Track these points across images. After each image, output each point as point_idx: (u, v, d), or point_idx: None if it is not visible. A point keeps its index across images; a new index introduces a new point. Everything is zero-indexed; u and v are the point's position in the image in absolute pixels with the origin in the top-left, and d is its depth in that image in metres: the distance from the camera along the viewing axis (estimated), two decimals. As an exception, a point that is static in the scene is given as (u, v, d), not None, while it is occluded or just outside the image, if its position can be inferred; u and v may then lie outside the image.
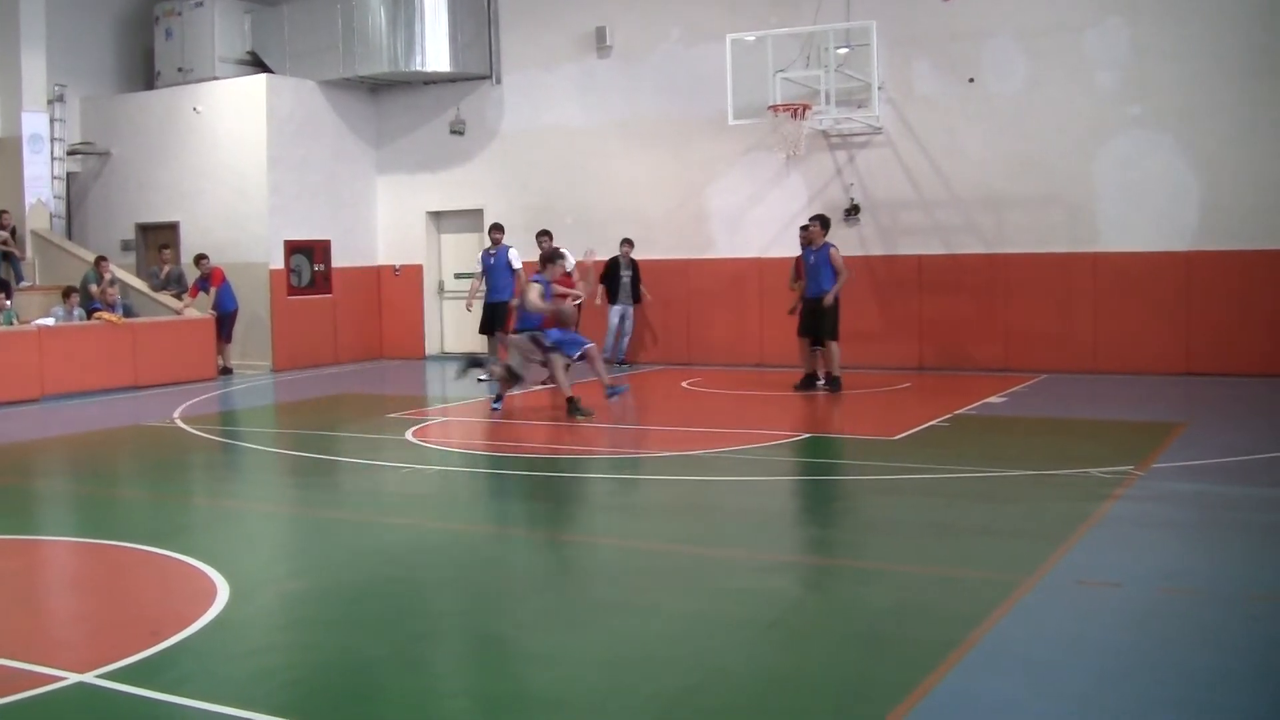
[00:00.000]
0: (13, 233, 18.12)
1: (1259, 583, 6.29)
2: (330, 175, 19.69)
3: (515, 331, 13.04)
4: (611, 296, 17.36)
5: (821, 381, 14.17)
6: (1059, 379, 14.99)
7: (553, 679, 5.12)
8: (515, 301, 15.60)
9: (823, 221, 14.43)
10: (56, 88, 19.13)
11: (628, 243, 17.37)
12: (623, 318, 17.45)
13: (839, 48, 15.45)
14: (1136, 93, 15.14)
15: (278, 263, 18.84)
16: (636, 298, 17.48)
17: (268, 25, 19.71)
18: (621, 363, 17.48)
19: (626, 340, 17.61)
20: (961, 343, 16.21)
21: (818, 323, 14.10)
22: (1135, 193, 15.24)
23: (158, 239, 19.54)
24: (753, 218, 17.33)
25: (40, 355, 15.35)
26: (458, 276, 20.38)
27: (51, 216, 19.11)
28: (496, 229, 16.48)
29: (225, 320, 18.04)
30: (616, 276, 17.35)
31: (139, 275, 18.94)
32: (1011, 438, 11.13)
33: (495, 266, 16.13)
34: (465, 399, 15.32)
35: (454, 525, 8.19)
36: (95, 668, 5.10)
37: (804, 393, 14.01)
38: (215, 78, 19.22)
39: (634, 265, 17.41)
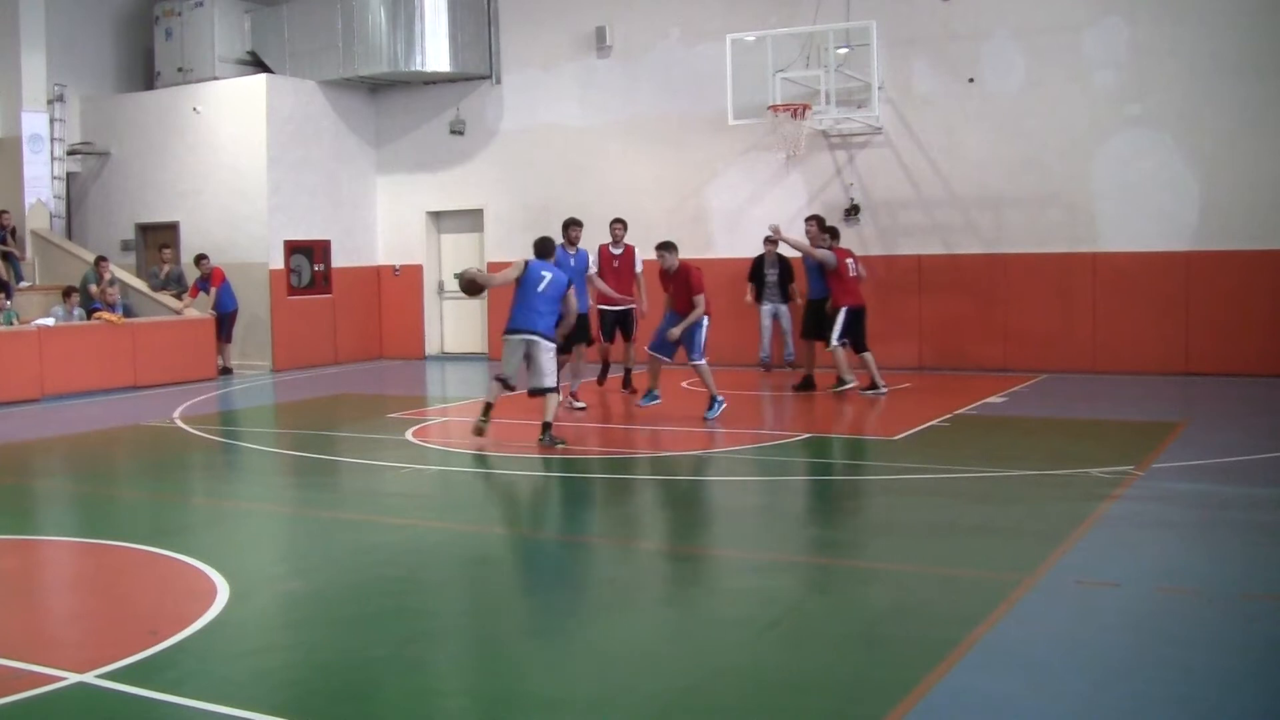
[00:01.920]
0: (12, 233, 18.12)
1: (1258, 582, 6.29)
2: (330, 175, 19.69)
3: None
4: (758, 296, 16.55)
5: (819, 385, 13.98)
6: (1059, 379, 14.99)
7: (552, 679, 5.12)
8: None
9: (820, 223, 14.40)
10: (56, 88, 19.13)
11: (771, 240, 16.12)
12: (775, 317, 16.60)
13: (839, 48, 15.45)
14: (1135, 92, 15.15)
15: (278, 263, 18.84)
16: (786, 296, 16.54)
17: (268, 25, 19.71)
18: (793, 364, 16.44)
19: (789, 339, 16.67)
20: (961, 343, 16.22)
21: (821, 324, 14.04)
22: (1135, 192, 15.25)
23: (158, 239, 19.54)
24: (752, 218, 17.31)
25: (40, 355, 15.35)
26: (457, 276, 20.34)
27: (51, 216, 19.11)
28: (575, 225, 13.53)
29: (225, 320, 18.05)
30: (761, 275, 16.50)
31: (139, 275, 18.94)
32: (1011, 438, 11.13)
33: (575, 271, 12.92)
34: (465, 399, 15.31)
35: (454, 525, 8.19)
36: (95, 668, 5.11)
37: (804, 393, 13.98)
38: (215, 78, 19.22)
39: (780, 262, 16.45)
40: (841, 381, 13.71)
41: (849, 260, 13.84)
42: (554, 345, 10.90)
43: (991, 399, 13.31)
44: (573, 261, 13.08)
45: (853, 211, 16.73)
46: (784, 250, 16.10)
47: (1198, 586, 6.16)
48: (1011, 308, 15.97)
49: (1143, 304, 15.25)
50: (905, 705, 4.58)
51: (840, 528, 8.13)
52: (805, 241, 14.03)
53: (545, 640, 5.63)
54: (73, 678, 5.01)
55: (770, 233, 14.39)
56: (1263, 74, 14.51)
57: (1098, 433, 11.37)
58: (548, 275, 10.90)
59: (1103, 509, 7.84)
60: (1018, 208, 15.90)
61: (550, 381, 10.81)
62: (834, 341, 13.69)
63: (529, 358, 10.85)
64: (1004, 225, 15.99)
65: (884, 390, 13.60)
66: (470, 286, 11.17)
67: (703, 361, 12.23)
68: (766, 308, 16.56)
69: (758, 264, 16.43)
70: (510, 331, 10.88)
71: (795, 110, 15.04)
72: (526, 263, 10.97)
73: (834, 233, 14.34)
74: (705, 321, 12.21)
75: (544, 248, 11.31)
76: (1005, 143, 15.84)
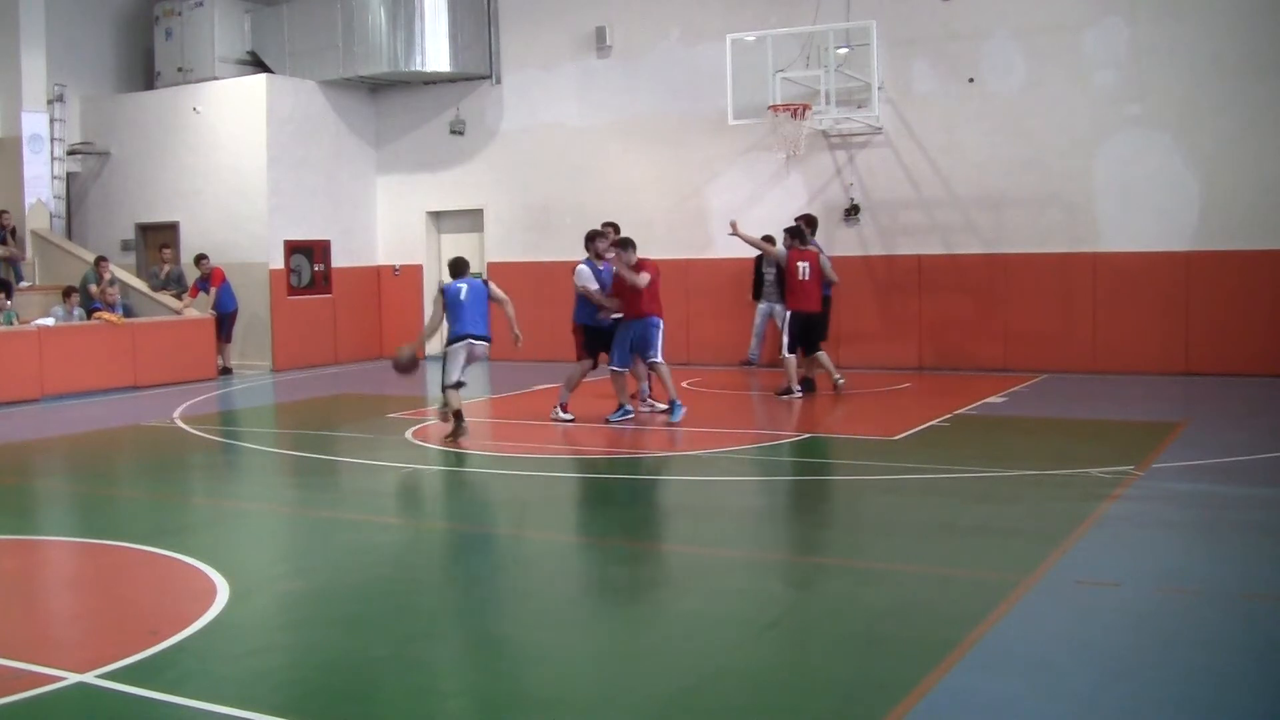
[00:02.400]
0: (12, 233, 18.12)
1: (1258, 582, 6.29)
2: (330, 175, 19.69)
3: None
4: (756, 294, 16.33)
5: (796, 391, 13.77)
6: (1059, 379, 14.99)
7: (552, 679, 5.12)
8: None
9: (807, 221, 14.47)
10: (56, 88, 19.12)
11: (768, 239, 15.81)
12: (770, 316, 15.99)
13: (839, 48, 15.46)
14: (1135, 92, 15.15)
15: (278, 263, 18.84)
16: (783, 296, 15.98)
17: (268, 25, 19.71)
18: (746, 363, 16.64)
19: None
20: (961, 343, 16.21)
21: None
22: (1135, 192, 15.25)
23: (158, 239, 19.54)
24: (752, 218, 17.27)
25: (40, 355, 15.35)
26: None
27: (51, 216, 19.10)
28: (600, 236, 12.83)
29: (225, 320, 18.05)
30: (760, 273, 16.22)
31: (139, 275, 18.94)
32: (1011, 438, 11.13)
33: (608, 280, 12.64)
34: (465, 399, 15.29)
35: (454, 525, 8.19)
36: (95, 668, 5.11)
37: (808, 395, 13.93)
38: (215, 78, 19.22)
39: (778, 264, 15.62)
40: (788, 390, 13.65)
41: (800, 264, 13.61)
42: (489, 344, 11.57)
43: (991, 399, 13.31)
44: (604, 277, 12.59)
45: (853, 211, 16.74)
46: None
47: (1198, 586, 6.16)
48: (1011, 308, 15.96)
49: (1143, 304, 15.25)
50: (905, 705, 4.58)
51: (840, 528, 8.13)
52: (756, 238, 14.10)
53: (545, 640, 5.63)
54: (73, 678, 5.01)
55: (730, 230, 14.31)
56: (1263, 74, 14.51)
57: (1098, 433, 11.36)
58: (464, 286, 11.39)
59: (1103, 509, 7.84)
60: (1018, 208, 15.90)
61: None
62: (785, 352, 13.70)
63: (471, 358, 11.52)
64: (1004, 225, 15.99)
65: (839, 380, 13.62)
66: (409, 364, 11.64)
67: (660, 361, 12.32)
68: (762, 306, 16.44)
69: (758, 261, 16.44)
70: (458, 339, 11.34)
71: (795, 110, 15.04)
72: (442, 290, 11.48)
73: (795, 233, 13.98)
74: (660, 323, 12.35)
75: (456, 267, 11.67)
76: (1005, 143, 15.84)
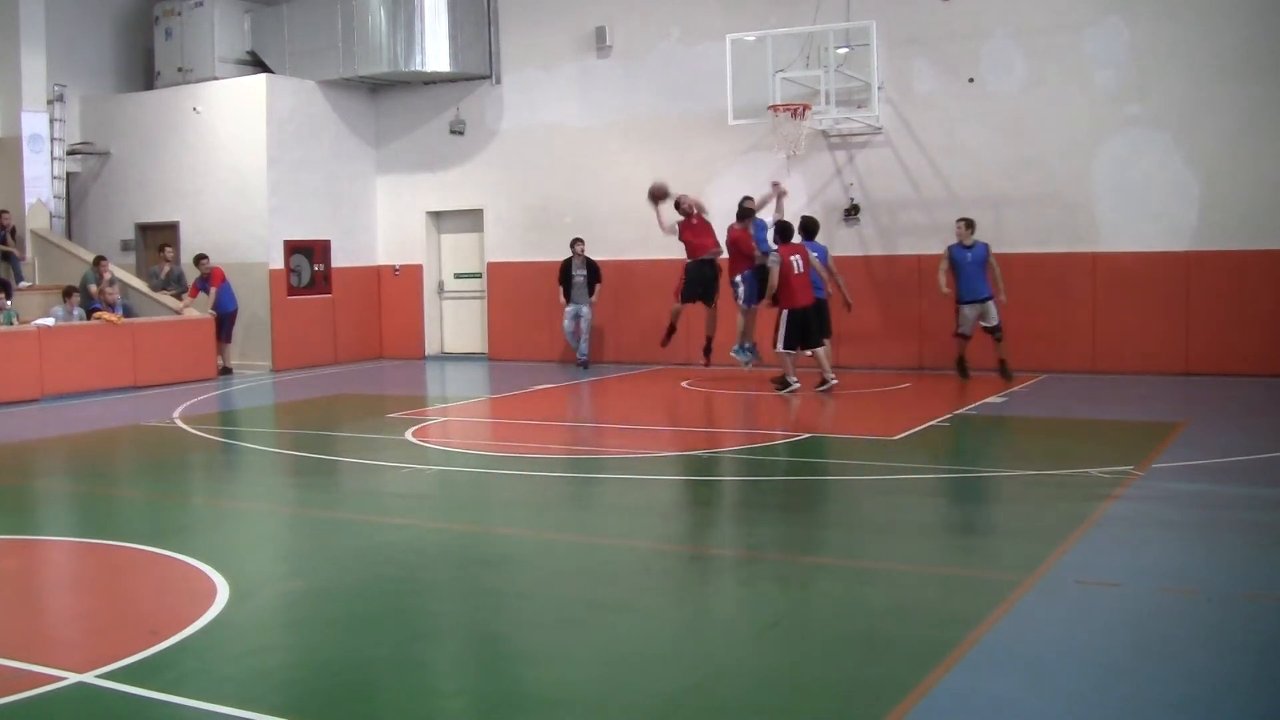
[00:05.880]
0: (12, 233, 18.12)
1: (1258, 583, 6.29)
2: (330, 175, 19.68)
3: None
4: (566, 296, 17.70)
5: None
6: (1059, 379, 14.99)
7: (553, 679, 5.12)
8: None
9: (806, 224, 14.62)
10: (56, 88, 19.11)
11: (579, 242, 17.64)
12: (577, 317, 17.73)
13: (839, 48, 15.46)
14: (1135, 92, 15.14)
15: (277, 263, 18.83)
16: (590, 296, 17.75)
17: (268, 25, 19.71)
18: (584, 364, 17.72)
19: (585, 340, 17.81)
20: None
21: (823, 322, 14.42)
22: (1134, 192, 15.25)
23: (158, 239, 19.53)
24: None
25: (40, 355, 15.35)
26: (457, 277, 20.40)
27: (51, 216, 19.09)
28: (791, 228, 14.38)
29: (225, 320, 18.05)
30: (569, 276, 17.63)
31: (139, 275, 18.93)
32: (1011, 438, 11.13)
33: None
34: (465, 399, 15.30)
35: (454, 525, 8.19)
36: (95, 668, 5.11)
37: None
38: (215, 78, 19.21)
39: (587, 264, 17.66)
40: (785, 383, 13.93)
41: (793, 258, 13.83)
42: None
43: (991, 399, 13.31)
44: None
45: (853, 211, 16.73)
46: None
47: (1198, 586, 6.16)
48: (1012, 308, 15.90)
49: (1143, 304, 15.24)
50: (905, 705, 4.58)
51: (840, 528, 8.13)
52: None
53: (545, 640, 5.63)
54: (73, 678, 5.01)
55: (778, 188, 14.80)
56: (1263, 74, 14.50)
57: (1098, 433, 11.36)
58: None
59: (1103, 509, 7.84)
60: (1018, 208, 15.89)
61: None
62: (779, 347, 13.92)
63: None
64: (1004, 225, 15.97)
65: (830, 380, 13.86)
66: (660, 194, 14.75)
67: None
68: (570, 309, 17.71)
69: (565, 266, 17.95)
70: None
71: (795, 110, 15.04)
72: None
73: (784, 229, 14.15)
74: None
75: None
76: (1005, 143, 15.83)
